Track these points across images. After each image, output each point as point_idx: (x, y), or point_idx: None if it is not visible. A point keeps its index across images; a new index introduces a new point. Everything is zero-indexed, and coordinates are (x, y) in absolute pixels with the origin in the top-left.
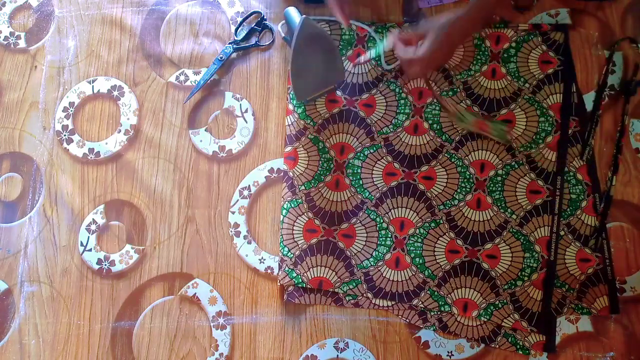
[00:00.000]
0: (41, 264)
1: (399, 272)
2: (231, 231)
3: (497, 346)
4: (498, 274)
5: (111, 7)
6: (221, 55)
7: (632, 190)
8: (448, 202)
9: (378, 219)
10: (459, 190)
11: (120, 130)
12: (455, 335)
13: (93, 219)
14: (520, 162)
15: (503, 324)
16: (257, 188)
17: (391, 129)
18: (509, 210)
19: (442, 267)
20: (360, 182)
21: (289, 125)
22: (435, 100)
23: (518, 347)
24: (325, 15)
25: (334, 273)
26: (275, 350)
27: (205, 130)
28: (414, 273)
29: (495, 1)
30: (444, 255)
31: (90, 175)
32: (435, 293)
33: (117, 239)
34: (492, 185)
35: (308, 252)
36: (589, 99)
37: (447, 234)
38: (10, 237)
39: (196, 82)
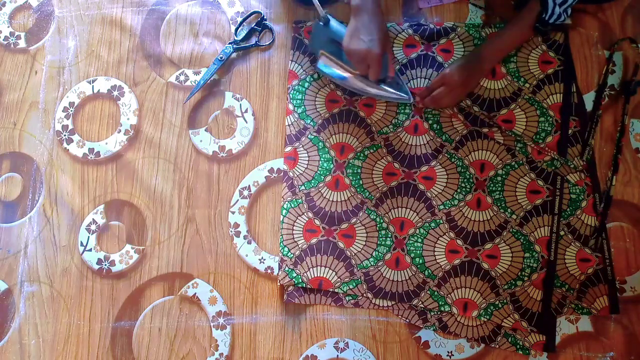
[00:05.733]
0: (41, 264)
1: (399, 272)
2: (231, 231)
3: (497, 346)
4: (498, 274)
5: (111, 7)
6: (221, 55)
7: (632, 190)
8: (448, 202)
9: (378, 219)
10: (459, 190)
11: (120, 130)
12: (455, 335)
13: (93, 219)
14: (520, 162)
15: (503, 324)
16: (257, 188)
17: (391, 129)
18: (509, 210)
19: (442, 267)
20: (360, 182)
21: (289, 125)
22: None
23: (518, 347)
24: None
25: (334, 273)
26: (275, 350)
27: (205, 130)
28: (414, 273)
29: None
30: (444, 255)
31: (90, 175)
32: (435, 293)
33: (117, 239)
34: (492, 185)
35: (308, 252)
36: (589, 99)
37: (447, 234)
38: (10, 237)
39: (196, 82)
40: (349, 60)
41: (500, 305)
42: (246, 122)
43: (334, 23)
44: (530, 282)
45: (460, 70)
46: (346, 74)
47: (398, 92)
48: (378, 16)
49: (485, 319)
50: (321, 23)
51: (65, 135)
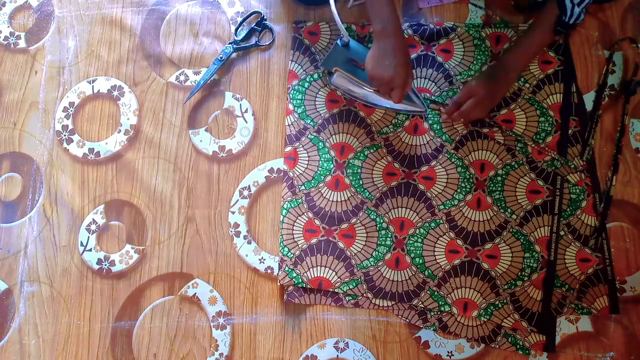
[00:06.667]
0: (41, 264)
1: (399, 272)
2: (231, 231)
3: (497, 346)
4: (498, 274)
5: (111, 7)
6: (221, 55)
7: (632, 190)
8: (448, 202)
9: (378, 219)
10: (459, 190)
11: (120, 130)
12: (455, 335)
13: (93, 219)
14: (520, 162)
15: (503, 324)
16: (257, 188)
17: (391, 129)
18: (509, 210)
19: (442, 267)
20: (360, 182)
21: (289, 125)
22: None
23: (518, 347)
24: (325, 17)
25: (334, 273)
26: (275, 350)
27: (205, 130)
28: (414, 273)
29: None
30: (444, 255)
31: (90, 175)
32: (435, 293)
33: (117, 239)
34: (492, 185)
35: (308, 252)
36: (589, 99)
37: (447, 234)
38: (10, 237)
39: (196, 82)
40: (369, 81)
41: (500, 305)
42: (246, 122)
43: (353, 44)
44: (530, 282)
45: (487, 82)
46: (362, 90)
47: (413, 105)
48: (400, 39)
49: (485, 319)
50: (340, 44)
51: (65, 135)
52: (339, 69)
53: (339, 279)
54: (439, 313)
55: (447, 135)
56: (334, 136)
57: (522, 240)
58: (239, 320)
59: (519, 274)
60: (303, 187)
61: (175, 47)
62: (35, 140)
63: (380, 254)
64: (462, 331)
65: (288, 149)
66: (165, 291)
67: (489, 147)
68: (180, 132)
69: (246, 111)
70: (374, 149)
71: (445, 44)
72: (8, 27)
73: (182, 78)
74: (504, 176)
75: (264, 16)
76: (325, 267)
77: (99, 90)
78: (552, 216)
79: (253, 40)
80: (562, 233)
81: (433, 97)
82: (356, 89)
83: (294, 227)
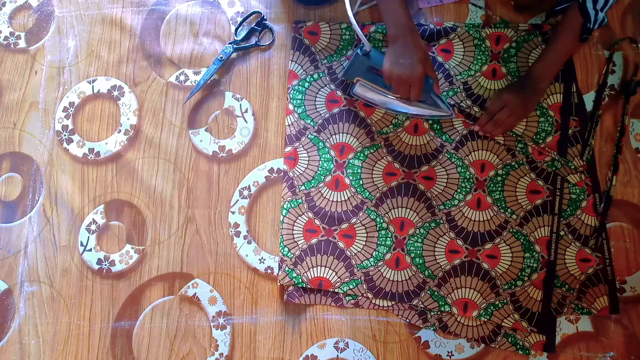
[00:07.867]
0: (41, 264)
1: (399, 272)
2: (231, 231)
3: (497, 346)
4: (498, 274)
5: (111, 7)
6: (221, 55)
7: (632, 190)
8: (448, 202)
9: (378, 219)
10: (459, 190)
11: (120, 130)
12: (455, 335)
13: (93, 219)
14: (521, 162)
15: (503, 324)
16: (257, 188)
17: (391, 129)
18: (509, 210)
19: (442, 267)
20: (360, 182)
21: (289, 125)
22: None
23: (518, 347)
24: (325, 17)
25: (334, 273)
26: (275, 350)
27: (205, 130)
28: (414, 273)
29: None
30: (444, 255)
31: (90, 175)
32: (435, 293)
33: (117, 239)
34: (492, 185)
35: (308, 252)
36: (589, 99)
37: (447, 234)
38: (10, 237)
39: (196, 82)
40: (388, 85)
41: (500, 305)
42: (246, 122)
43: (373, 53)
44: (530, 282)
45: (519, 93)
46: (385, 98)
47: (439, 110)
48: (416, 39)
49: (485, 319)
50: (360, 53)
51: (65, 135)
52: (361, 78)
53: (339, 279)
54: (439, 313)
55: (447, 135)
56: (334, 136)
57: (522, 240)
58: (239, 320)
59: (519, 274)
60: (303, 187)
61: (175, 47)
62: (35, 140)
63: (380, 254)
64: (462, 331)
65: (288, 149)
66: (165, 291)
67: (489, 147)
68: (180, 132)
69: (246, 111)
70: (374, 149)
71: (445, 44)
72: (8, 27)
73: (182, 78)
74: (504, 176)
75: (264, 16)
76: (325, 267)
77: (99, 90)
78: (552, 216)
79: (253, 40)
80: (562, 233)
81: None
82: (379, 97)
83: (294, 227)
